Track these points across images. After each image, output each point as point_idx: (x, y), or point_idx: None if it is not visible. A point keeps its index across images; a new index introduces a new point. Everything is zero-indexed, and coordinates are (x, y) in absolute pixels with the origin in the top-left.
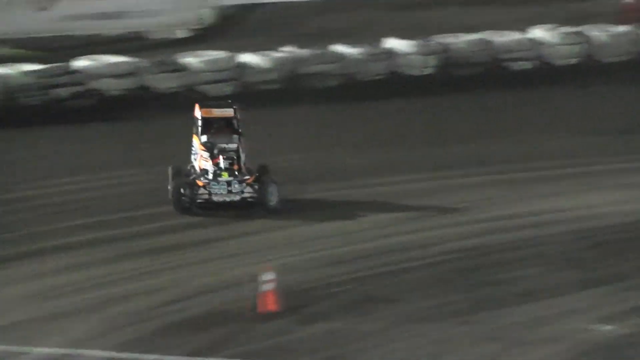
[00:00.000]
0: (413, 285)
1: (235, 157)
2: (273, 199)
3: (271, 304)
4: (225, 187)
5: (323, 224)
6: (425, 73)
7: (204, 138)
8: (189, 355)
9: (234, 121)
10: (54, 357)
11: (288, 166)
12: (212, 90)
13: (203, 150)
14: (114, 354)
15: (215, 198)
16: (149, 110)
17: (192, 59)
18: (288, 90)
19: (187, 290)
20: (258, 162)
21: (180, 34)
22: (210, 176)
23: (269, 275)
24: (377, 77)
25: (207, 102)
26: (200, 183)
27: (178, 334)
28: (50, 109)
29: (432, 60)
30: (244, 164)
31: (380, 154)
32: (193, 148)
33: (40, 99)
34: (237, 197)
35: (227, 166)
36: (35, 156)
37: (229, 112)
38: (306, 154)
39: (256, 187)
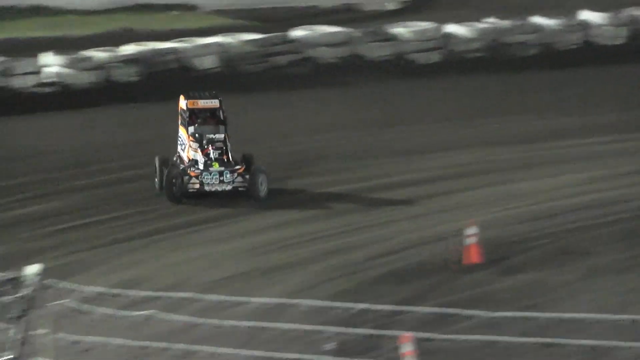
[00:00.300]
0: (606, 240)
1: (224, 147)
2: (263, 189)
3: (474, 257)
4: (217, 177)
5: (521, 184)
6: (616, 43)
7: (192, 129)
8: (396, 304)
9: (220, 112)
10: (270, 306)
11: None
12: (420, 58)
13: (192, 141)
14: (327, 303)
15: (207, 188)
16: (362, 76)
17: (401, 29)
18: (490, 59)
19: (395, 245)
20: (242, 151)
21: (391, 6)
22: (201, 166)
23: (473, 230)
24: (573, 47)
25: (191, 92)
26: (192, 173)
27: (386, 285)
28: (269, 75)
29: (623, 31)
30: (231, 154)
31: (575, 117)
32: (180, 138)
33: (260, 66)
34: (229, 187)
35: (217, 156)
36: (253, 120)
37: (214, 102)
38: (502, 117)
39: (246, 176)
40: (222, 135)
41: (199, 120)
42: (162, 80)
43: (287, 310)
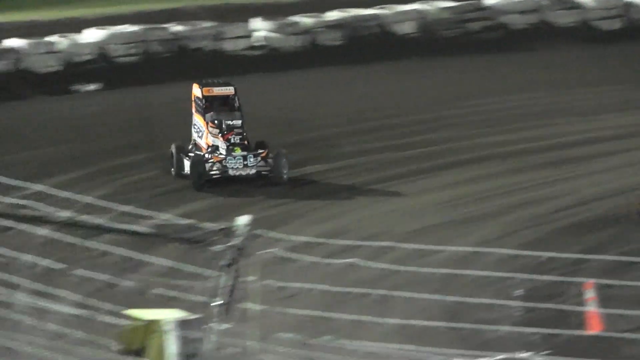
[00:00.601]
0: None
1: (244, 133)
2: (285, 172)
3: None
4: (241, 161)
5: None
6: None
7: (210, 116)
8: (580, 253)
9: (235, 98)
10: (464, 255)
11: None
12: (603, 25)
13: (212, 127)
14: (516, 251)
15: (231, 172)
16: (549, 42)
17: None
18: None
19: (578, 198)
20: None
21: None
22: (224, 152)
23: None
24: None
25: (204, 80)
26: (216, 158)
27: (571, 235)
28: (463, 40)
29: None
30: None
31: None
32: (195, 126)
33: (454, 32)
34: (253, 171)
35: (238, 141)
36: (449, 81)
37: (229, 90)
38: None
39: (269, 160)
40: (240, 122)
41: (214, 108)
42: (364, 45)
43: (479, 258)
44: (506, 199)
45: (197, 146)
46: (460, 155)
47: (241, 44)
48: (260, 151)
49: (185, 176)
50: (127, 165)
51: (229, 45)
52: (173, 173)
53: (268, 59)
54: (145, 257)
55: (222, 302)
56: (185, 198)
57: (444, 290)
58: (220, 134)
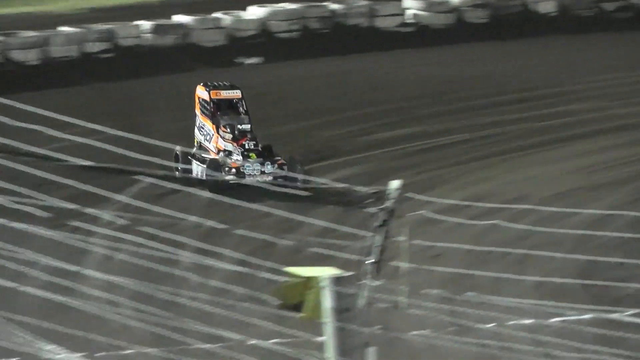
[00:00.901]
0: None
1: (257, 138)
2: (300, 179)
3: None
4: (259, 167)
5: None
6: None
7: (224, 120)
8: None
9: (242, 101)
10: (599, 217)
11: None
12: None
13: (225, 132)
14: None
15: (248, 179)
16: None
17: None
18: None
19: None
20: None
21: None
22: (238, 157)
23: None
24: None
25: (209, 83)
26: (234, 165)
27: None
28: (598, 19)
29: None
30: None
31: None
32: (203, 128)
33: (591, 11)
34: (269, 178)
35: (253, 147)
36: (581, 57)
37: (236, 93)
38: None
39: (285, 167)
40: (249, 126)
41: (222, 111)
42: (507, 23)
43: (612, 221)
44: (637, 166)
45: (203, 149)
46: (593, 126)
47: (393, 21)
48: (277, 158)
49: (194, 179)
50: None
51: (381, 23)
52: (177, 175)
53: (418, 35)
54: (303, 219)
55: (374, 260)
56: (340, 164)
57: (578, 250)
58: (233, 139)
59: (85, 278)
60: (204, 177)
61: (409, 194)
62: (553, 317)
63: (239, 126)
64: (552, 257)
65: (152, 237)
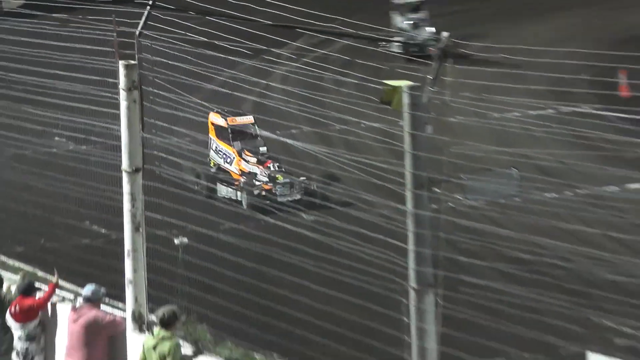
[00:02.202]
0: None
1: (279, 160)
2: (319, 194)
3: None
4: (289, 187)
5: None
6: None
7: (244, 144)
8: None
9: (255, 126)
10: None
11: None
12: None
13: (250, 156)
14: None
15: (280, 199)
16: None
17: None
18: None
19: None
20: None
21: None
22: (267, 179)
23: None
24: None
25: (220, 110)
26: (267, 187)
27: None
28: None
29: None
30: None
31: None
32: (221, 152)
33: None
34: (298, 196)
35: (277, 169)
36: None
37: (250, 118)
38: None
39: (312, 187)
40: (265, 148)
41: (239, 136)
42: None
43: None
44: None
45: (222, 170)
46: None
47: None
48: (303, 178)
49: (221, 199)
50: None
51: None
52: (197, 188)
53: None
54: None
55: (432, 77)
56: None
57: None
58: (258, 162)
59: None
60: (238, 198)
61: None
62: None
63: (260, 149)
64: None
65: None
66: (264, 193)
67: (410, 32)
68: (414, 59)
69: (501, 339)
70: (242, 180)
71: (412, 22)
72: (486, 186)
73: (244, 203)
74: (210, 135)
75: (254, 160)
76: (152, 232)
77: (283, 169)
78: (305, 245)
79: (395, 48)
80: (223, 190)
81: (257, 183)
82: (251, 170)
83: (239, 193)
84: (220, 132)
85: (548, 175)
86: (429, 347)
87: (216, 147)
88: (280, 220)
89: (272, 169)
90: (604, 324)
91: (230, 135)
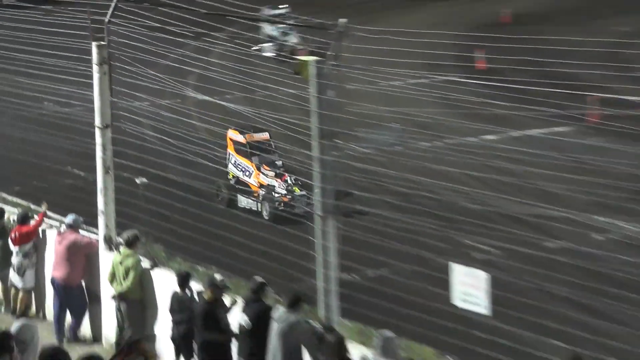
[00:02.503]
0: None
1: (294, 174)
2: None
3: None
4: (306, 200)
5: None
6: None
7: (262, 159)
8: None
9: (271, 142)
10: None
11: None
12: None
13: (268, 169)
14: None
15: (297, 210)
16: None
17: None
18: None
19: None
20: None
21: None
22: (285, 191)
23: None
24: None
25: (238, 128)
26: (285, 199)
27: None
28: None
29: None
30: None
31: None
32: (240, 165)
33: None
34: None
35: (294, 182)
36: None
37: (266, 135)
38: None
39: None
40: (281, 162)
41: (256, 151)
42: None
43: None
44: None
45: (242, 183)
46: None
47: None
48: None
49: (241, 209)
50: None
51: None
52: (219, 199)
53: None
54: None
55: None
56: None
57: None
58: (276, 176)
59: None
60: (258, 209)
61: None
62: None
63: (277, 162)
64: None
65: None
66: (281, 207)
67: (280, 39)
68: (286, 60)
69: (386, 253)
70: (262, 192)
71: (281, 30)
72: (375, 137)
73: (265, 214)
74: (228, 150)
75: (271, 173)
76: (119, 174)
77: (299, 182)
78: None
79: (268, 52)
80: (243, 201)
81: (276, 195)
82: (269, 183)
83: (259, 204)
84: (239, 147)
85: (423, 129)
86: (331, 260)
87: (235, 161)
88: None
89: (289, 182)
90: (464, 242)
91: (248, 151)
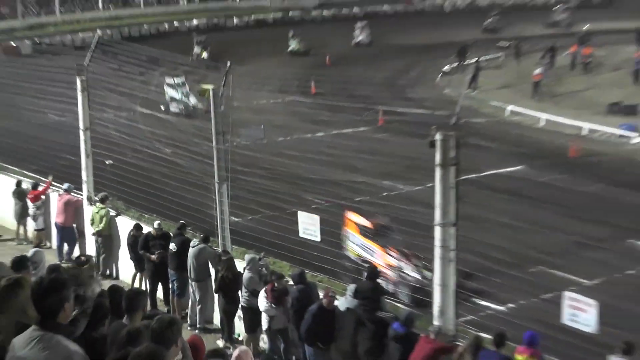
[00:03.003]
0: None
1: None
2: None
3: None
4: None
5: None
6: None
7: (391, 241)
8: None
9: (393, 226)
10: None
11: None
12: None
13: (396, 252)
14: None
15: (428, 288)
16: None
17: None
18: None
19: None
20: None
21: None
22: (415, 273)
23: None
24: None
25: (353, 214)
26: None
27: None
28: None
29: None
30: None
31: None
32: (364, 246)
33: None
34: None
35: (423, 264)
36: None
37: (387, 219)
38: None
39: None
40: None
41: (380, 233)
42: None
43: None
44: None
45: (365, 261)
46: None
47: None
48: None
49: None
50: None
51: None
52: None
53: None
54: None
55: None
56: None
57: None
58: (404, 257)
59: None
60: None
61: None
62: None
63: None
64: None
65: None
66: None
67: (182, 99)
68: (190, 115)
69: (258, 204)
70: (392, 275)
71: (183, 93)
72: (249, 133)
73: (402, 296)
74: (348, 229)
75: (397, 254)
76: (97, 158)
77: (427, 264)
78: None
79: (174, 109)
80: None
81: (408, 277)
82: (397, 265)
83: (390, 286)
84: (365, 230)
85: (279, 129)
86: (225, 213)
87: (358, 242)
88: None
89: (417, 264)
90: (305, 197)
91: (372, 233)
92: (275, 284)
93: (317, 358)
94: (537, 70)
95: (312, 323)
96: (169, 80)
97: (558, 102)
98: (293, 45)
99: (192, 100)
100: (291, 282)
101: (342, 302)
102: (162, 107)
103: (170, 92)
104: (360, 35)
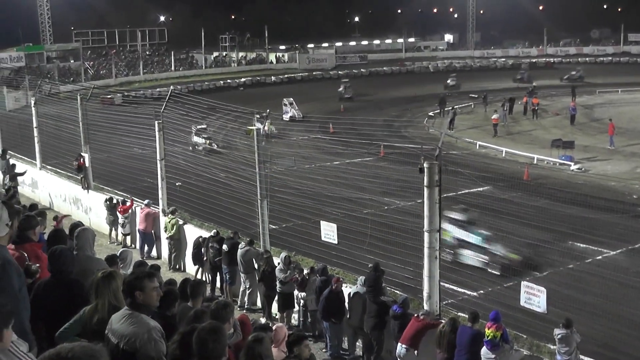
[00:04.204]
0: None
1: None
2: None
3: None
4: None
5: None
6: None
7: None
8: None
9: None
10: None
11: None
12: None
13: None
14: None
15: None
16: None
17: None
18: None
19: None
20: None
21: None
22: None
23: None
24: None
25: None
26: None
27: None
28: None
29: None
30: None
31: None
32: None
33: None
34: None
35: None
36: None
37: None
38: None
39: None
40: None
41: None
42: None
43: None
44: None
45: (460, 242)
46: None
47: None
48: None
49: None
50: None
51: None
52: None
53: None
54: None
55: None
56: None
57: None
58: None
59: None
60: (481, 267)
61: None
62: None
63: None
64: None
65: None
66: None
67: (204, 142)
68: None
69: (291, 215)
70: (488, 259)
71: (204, 137)
72: (283, 162)
73: (494, 270)
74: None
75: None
76: (169, 181)
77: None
78: None
79: (200, 147)
80: (469, 259)
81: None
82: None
83: (481, 262)
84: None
85: (305, 159)
86: (265, 222)
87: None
88: None
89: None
90: (327, 210)
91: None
92: (298, 277)
93: (332, 330)
94: (495, 115)
95: (325, 304)
96: (193, 128)
97: (514, 138)
98: (342, 90)
99: (214, 145)
100: (316, 275)
101: (353, 289)
102: (191, 148)
103: (195, 138)
104: (345, 92)
